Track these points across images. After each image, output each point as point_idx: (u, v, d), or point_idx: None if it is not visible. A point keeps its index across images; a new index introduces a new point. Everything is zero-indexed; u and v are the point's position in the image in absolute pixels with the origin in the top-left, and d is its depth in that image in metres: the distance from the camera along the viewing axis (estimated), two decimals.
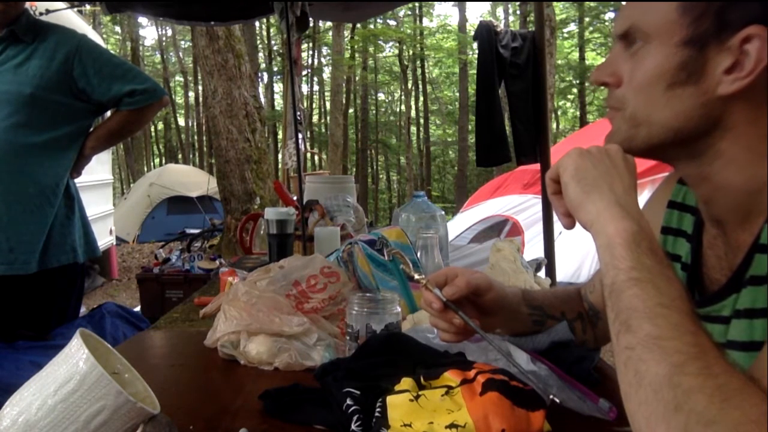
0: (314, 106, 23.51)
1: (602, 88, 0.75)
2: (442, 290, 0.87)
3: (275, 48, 19.00)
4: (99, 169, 5.68)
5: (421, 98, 21.56)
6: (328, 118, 19.59)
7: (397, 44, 20.37)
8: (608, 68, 0.73)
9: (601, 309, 0.96)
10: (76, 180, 2.01)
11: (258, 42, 17.38)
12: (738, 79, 0.63)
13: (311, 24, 3.79)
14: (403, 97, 22.42)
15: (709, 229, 0.75)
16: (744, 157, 0.66)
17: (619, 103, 0.72)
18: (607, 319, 0.95)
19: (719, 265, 0.72)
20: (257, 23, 15.18)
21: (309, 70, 20.18)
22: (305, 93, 19.79)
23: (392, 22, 19.70)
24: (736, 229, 0.69)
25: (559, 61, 15.97)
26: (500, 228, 5.46)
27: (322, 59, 22.36)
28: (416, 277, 0.91)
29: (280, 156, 9.41)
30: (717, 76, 0.64)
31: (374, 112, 22.83)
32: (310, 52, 20.65)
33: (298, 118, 3.34)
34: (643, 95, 0.69)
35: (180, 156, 22.98)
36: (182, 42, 22.18)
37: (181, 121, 25.03)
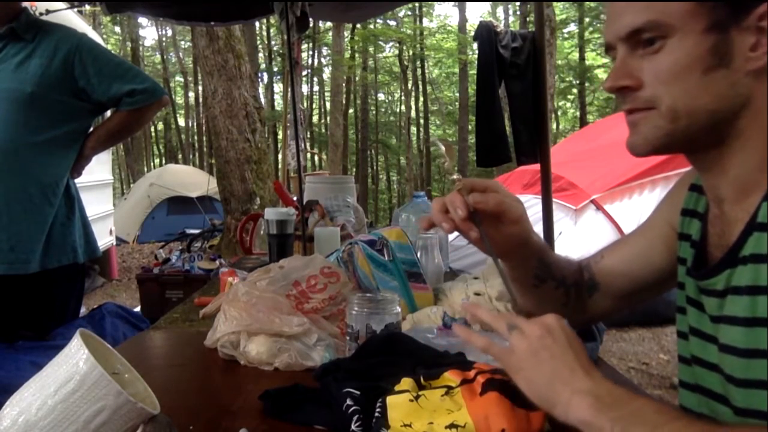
0: (314, 106, 23.51)
1: (603, 89, 0.76)
2: (470, 196, 0.82)
3: (275, 48, 19.00)
4: (99, 169, 5.67)
5: (421, 98, 21.56)
6: (328, 118, 19.58)
7: (397, 44, 20.36)
8: (623, 72, 0.73)
9: (602, 281, 0.97)
10: (76, 180, 2.01)
11: (258, 42, 17.37)
12: (764, 53, 0.67)
13: (311, 24, 3.78)
14: (403, 98, 22.41)
15: (713, 208, 0.77)
16: (758, 135, 0.69)
17: (647, 103, 0.72)
18: (604, 292, 0.96)
19: (719, 242, 0.75)
20: (257, 23, 15.16)
21: (309, 70, 20.18)
22: (305, 93, 19.80)
23: (392, 22, 19.69)
24: (733, 206, 0.72)
25: (559, 61, 15.95)
26: None
27: (322, 59, 22.37)
28: (453, 177, 0.83)
29: (280, 156, 9.40)
30: (744, 54, 0.68)
31: (374, 112, 22.81)
32: (310, 52, 20.65)
33: (299, 118, 3.34)
34: (678, 87, 0.70)
35: (180, 156, 22.98)
36: (182, 42, 22.18)
37: (181, 121, 25.03)
